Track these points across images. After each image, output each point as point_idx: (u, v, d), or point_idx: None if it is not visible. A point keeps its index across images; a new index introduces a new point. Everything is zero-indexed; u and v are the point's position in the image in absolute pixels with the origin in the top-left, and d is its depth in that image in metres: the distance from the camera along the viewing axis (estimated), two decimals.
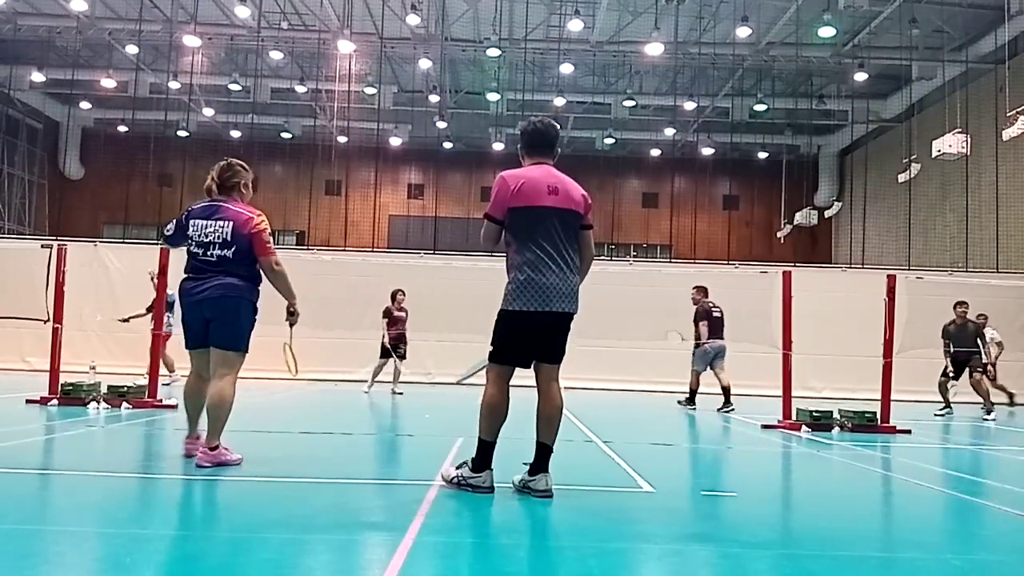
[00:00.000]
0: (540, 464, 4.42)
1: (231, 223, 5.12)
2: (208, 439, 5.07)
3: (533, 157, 4.67)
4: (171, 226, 5.40)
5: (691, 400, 12.67)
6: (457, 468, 4.60)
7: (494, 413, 4.45)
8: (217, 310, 5.08)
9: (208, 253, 5.11)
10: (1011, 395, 15.25)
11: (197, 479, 4.89)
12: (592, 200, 4.71)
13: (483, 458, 4.46)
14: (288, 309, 5.50)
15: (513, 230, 4.49)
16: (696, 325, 12.65)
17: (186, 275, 5.21)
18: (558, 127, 4.82)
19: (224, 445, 5.10)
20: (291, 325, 5.65)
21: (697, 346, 12.60)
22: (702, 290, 13.04)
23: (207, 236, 5.12)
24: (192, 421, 5.45)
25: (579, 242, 4.59)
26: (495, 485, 4.44)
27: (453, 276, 16.32)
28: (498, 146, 28.14)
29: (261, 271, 5.25)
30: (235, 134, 28.46)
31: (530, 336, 4.46)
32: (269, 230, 5.23)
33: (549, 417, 4.45)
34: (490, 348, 4.51)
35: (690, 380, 12.70)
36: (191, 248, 5.20)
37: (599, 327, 15.18)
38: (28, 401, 9.17)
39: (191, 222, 5.21)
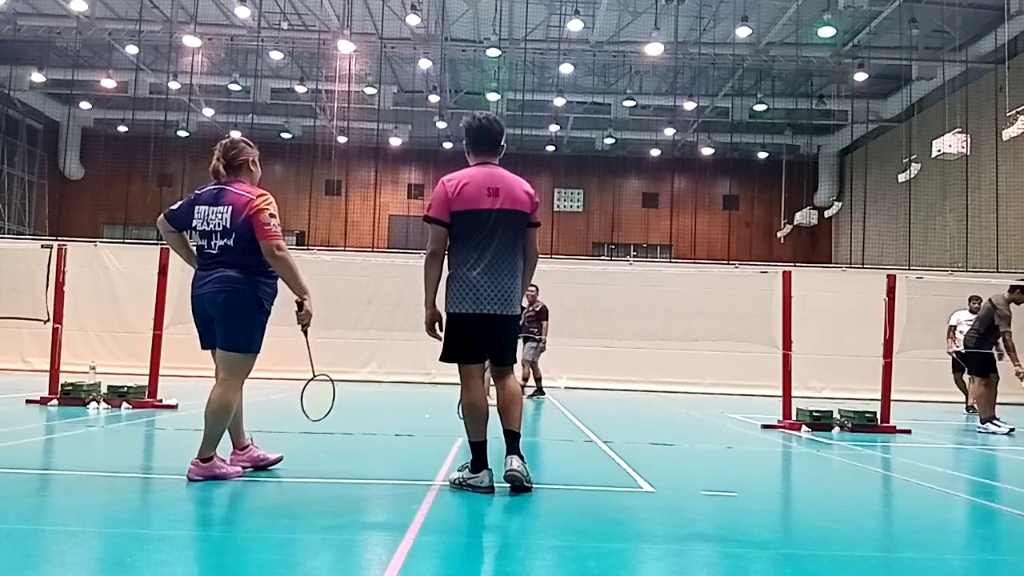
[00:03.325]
0: (511, 448, 4.48)
1: (230, 208, 4.60)
2: (202, 450, 4.59)
3: (478, 156, 4.66)
4: (180, 203, 4.85)
5: (540, 391, 13.49)
6: (459, 470, 4.62)
7: (472, 413, 4.52)
8: (217, 307, 4.58)
9: (211, 244, 4.62)
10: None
11: (197, 479, 4.89)
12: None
13: (478, 458, 4.49)
14: (297, 303, 4.75)
15: (453, 233, 4.52)
16: (543, 322, 13.41)
17: (197, 268, 4.77)
18: (502, 123, 4.74)
19: (220, 457, 4.71)
20: (304, 327, 4.84)
21: (542, 340, 13.40)
22: (536, 288, 13.67)
23: (210, 224, 4.62)
24: (232, 432, 4.88)
25: (524, 241, 4.62)
26: (495, 484, 4.45)
27: (197, 239, 16.36)
28: None
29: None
30: (235, 134, 28.32)
31: (470, 336, 4.51)
32: (272, 211, 4.63)
33: (505, 405, 4.52)
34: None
35: (532, 373, 13.42)
36: (195, 239, 4.71)
37: (599, 327, 15.22)
38: (28, 401, 9.18)
39: (197, 208, 4.69)
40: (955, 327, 13.42)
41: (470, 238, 4.48)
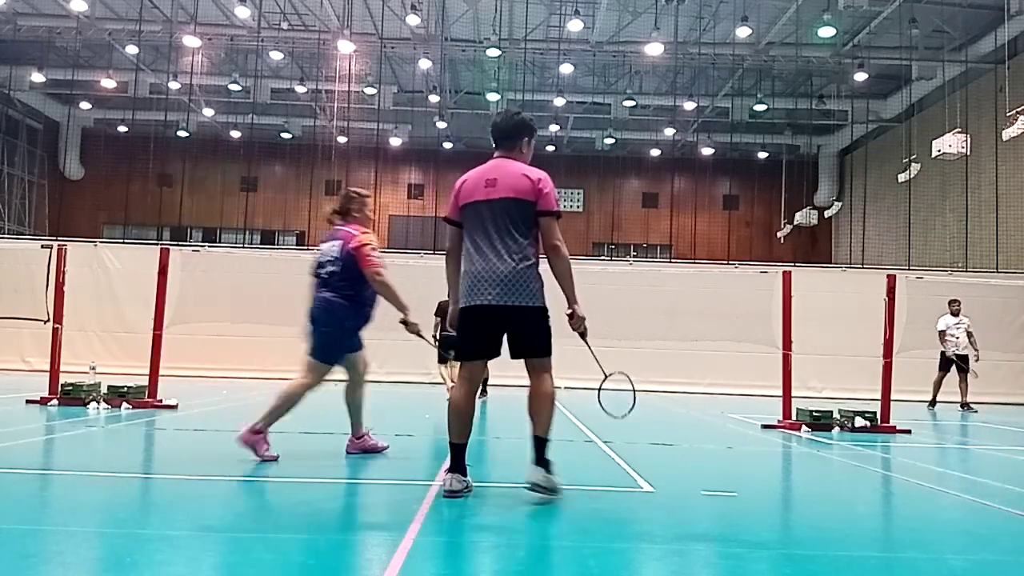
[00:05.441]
0: (535, 457, 4.34)
1: (341, 242, 5.60)
2: (256, 423, 5.42)
3: (498, 150, 4.63)
4: None
5: (483, 391, 12.81)
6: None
7: (452, 413, 4.38)
8: (312, 321, 5.57)
9: (323, 271, 5.61)
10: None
11: (197, 479, 4.90)
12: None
13: (452, 460, 4.38)
14: (401, 321, 5.68)
15: (463, 229, 4.51)
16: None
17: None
18: (520, 116, 4.67)
19: (265, 437, 5.44)
20: (418, 335, 5.79)
21: None
22: None
23: (324, 256, 5.63)
24: (353, 420, 5.92)
25: (540, 232, 4.40)
26: (462, 488, 4.30)
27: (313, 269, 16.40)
28: None
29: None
30: (235, 134, 28.47)
31: (477, 330, 4.39)
32: (374, 245, 5.60)
33: (532, 406, 4.35)
34: None
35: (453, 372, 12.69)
36: (315, 270, 5.69)
37: (599, 327, 15.17)
38: (28, 401, 9.18)
39: (318, 250, 5.78)
40: (944, 332, 13.84)
41: (471, 231, 4.44)
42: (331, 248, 5.60)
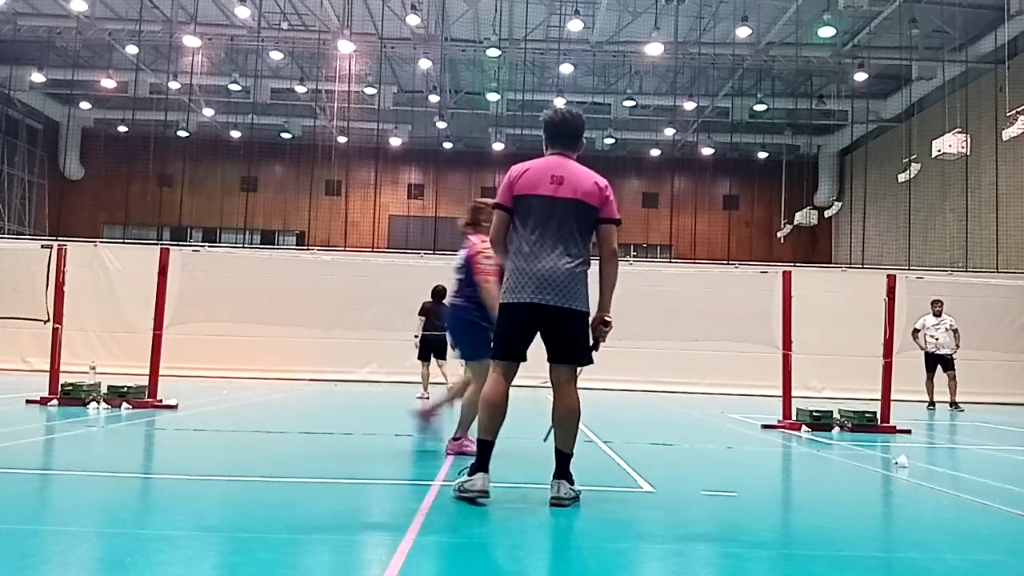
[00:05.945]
0: (556, 470, 4.27)
1: (466, 251, 6.16)
2: (455, 433, 6.07)
3: (552, 148, 4.51)
4: None
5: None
6: (459, 473, 4.50)
7: (486, 409, 4.29)
8: (449, 329, 6.24)
9: (456, 278, 6.22)
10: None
11: (197, 479, 4.90)
12: None
13: (479, 459, 4.27)
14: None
15: (514, 219, 4.36)
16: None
17: None
18: (582, 118, 4.58)
19: (468, 437, 5.93)
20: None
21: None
22: None
23: (457, 263, 6.25)
24: (461, 419, 6.17)
25: (595, 235, 4.34)
26: (488, 489, 4.26)
27: (453, 276, 16.41)
28: (498, 146, 28.15)
29: None
30: (235, 134, 28.47)
31: (518, 329, 4.28)
32: (488, 254, 5.79)
33: (558, 420, 4.28)
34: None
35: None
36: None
37: None
38: (28, 401, 9.18)
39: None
40: (919, 331, 13.95)
41: (525, 224, 4.30)
42: (459, 257, 6.21)
